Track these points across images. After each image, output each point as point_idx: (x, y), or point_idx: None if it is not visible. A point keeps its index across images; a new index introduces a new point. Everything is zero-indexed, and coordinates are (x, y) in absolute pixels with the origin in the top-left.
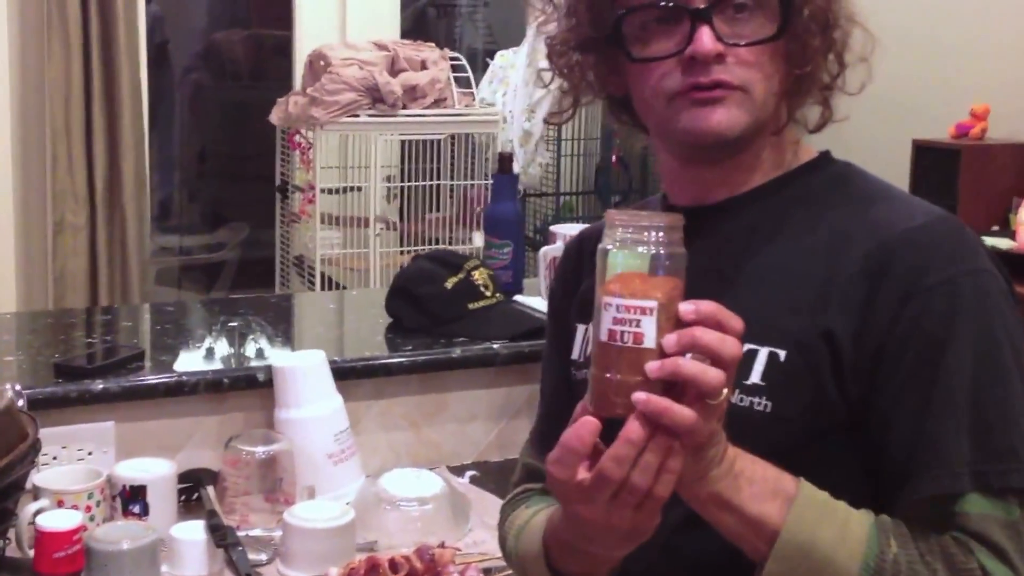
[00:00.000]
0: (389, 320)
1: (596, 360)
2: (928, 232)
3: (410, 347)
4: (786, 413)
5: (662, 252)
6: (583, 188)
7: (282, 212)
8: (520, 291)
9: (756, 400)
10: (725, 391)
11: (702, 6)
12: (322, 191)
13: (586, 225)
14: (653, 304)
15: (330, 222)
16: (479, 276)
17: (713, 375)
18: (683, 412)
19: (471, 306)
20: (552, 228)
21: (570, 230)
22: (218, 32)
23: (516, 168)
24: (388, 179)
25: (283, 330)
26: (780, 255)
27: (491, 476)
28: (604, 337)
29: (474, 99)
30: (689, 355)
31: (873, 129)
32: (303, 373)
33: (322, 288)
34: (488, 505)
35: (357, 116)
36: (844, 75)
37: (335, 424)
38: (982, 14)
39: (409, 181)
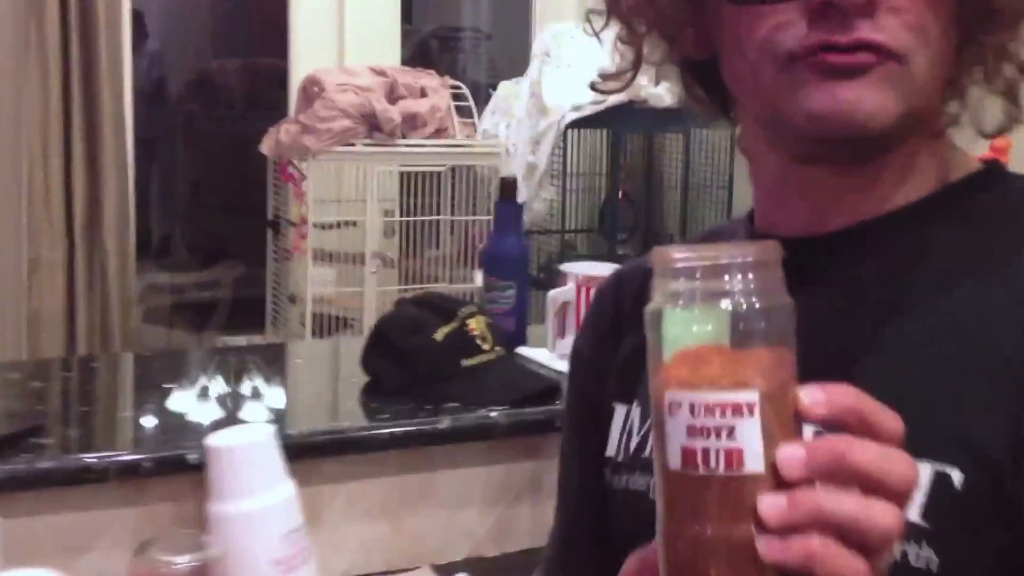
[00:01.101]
0: (365, 380)
1: (667, 502)
2: None
3: (388, 415)
4: (963, 569)
5: (756, 307)
6: (588, 225)
7: (275, 248)
8: (524, 342)
9: (913, 550)
10: (897, 544)
11: None
12: (315, 226)
13: (616, 265)
14: (755, 396)
15: (324, 259)
16: (475, 325)
17: (882, 515)
18: (848, 558)
19: (465, 363)
20: (563, 267)
21: (583, 269)
22: (214, 62)
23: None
24: (386, 213)
25: (231, 394)
26: (948, 313)
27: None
28: (674, 464)
29: (476, 130)
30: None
31: None
32: (244, 454)
33: (315, 330)
34: None
35: (352, 145)
36: None
37: (285, 520)
38: None
39: (408, 216)
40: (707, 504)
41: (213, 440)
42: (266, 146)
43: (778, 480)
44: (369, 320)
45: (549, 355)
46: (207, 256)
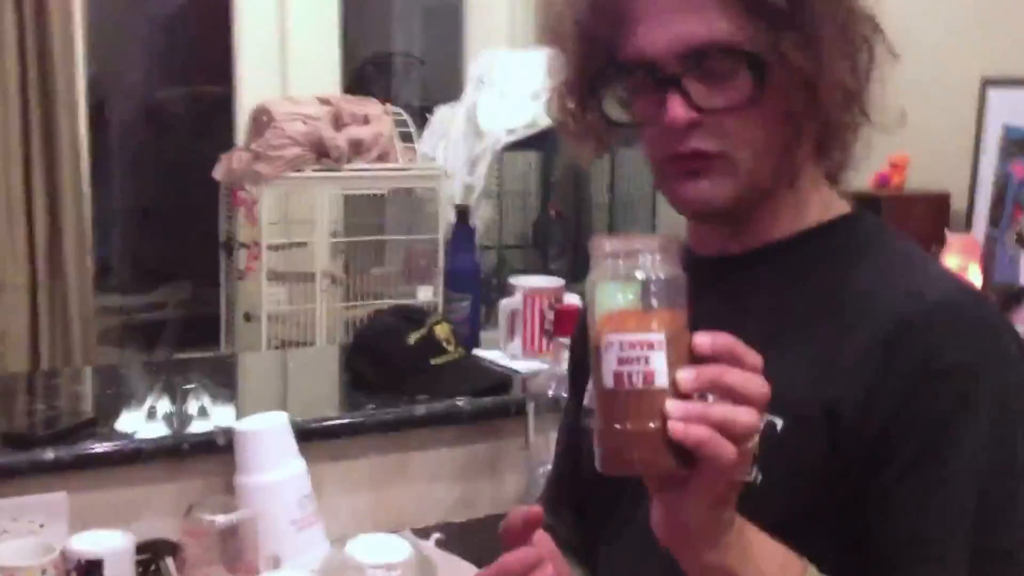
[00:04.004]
0: (345, 378)
1: (601, 412)
2: (950, 310)
3: (371, 406)
4: (776, 487)
5: (661, 277)
6: (524, 242)
7: (227, 269)
8: (478, 345)
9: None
10: (757, 436)
11: (672, 71)
12: (268, 247)
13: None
14: (660, 336)
15: (276, 278)
16: (441, 331)
17: (745, 415)
18: (724, 443)
19: (434, 361)
20: (511, 280)
21: (529, 282)
22: (158, 90)
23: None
24: (333, 234)
25: (237, 391)
26: (793, 317)
27: (456, 538)
28: (610, 383)
29: (416, 153)
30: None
31: None
32: (265, 436)
33: (268, 345)
34: (455, 569)
35: (301, 171)
36: (858, 126)
37: (298, 488)
38: (900, 65)
39: (353, 236)
40: (629, 408)
41: (240, 425)
42: (219, 173)
43: (676, 393)
44: (322, 334)
45: (502, 355)
46: (155, 278)
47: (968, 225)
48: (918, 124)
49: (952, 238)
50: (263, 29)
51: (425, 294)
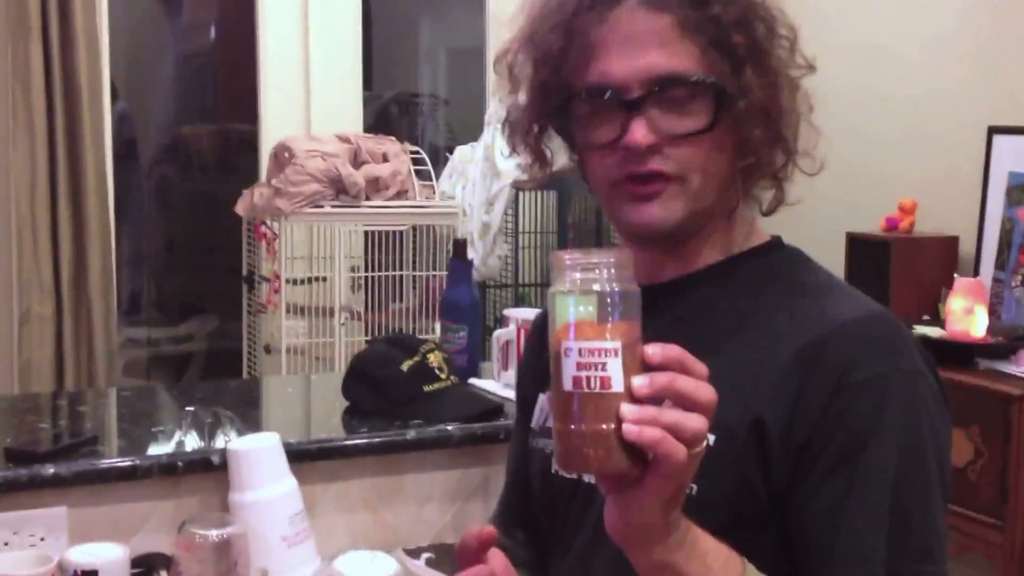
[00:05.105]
0: (346, 403)
1: (559, 413)
2: (863, 327)
3: (366, 429)
4: (711, 497)
5: (616, 290)
6: (540, 280)
7: (249, 302)
8: (476, 374)
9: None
10: (705, 441)
11: (636, 96)
12: (288, 281)
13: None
14: (617, 345)
15: (296, 312)
16: (434, 359)
17: (695, 421)
18: (676, 444)
19: (427, 388)
20: (506, 312)
21: (522, 314)
22: (185, 127)
23: (475, 259)
24: (353, 269)
25: (242, 413)
26: (721, 338)
27: (447, 558)
28: (568, 385)
29: (434, 191)
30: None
31: (811, 220)
32: (257, 455)
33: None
34: None
35: (321, 207)
36: (793, 163)
37: (289, 506)
38: (911, 114)
39: (373, 271)
40: (586, 410)
41: (234, 445)
42: (241, 207)
43: (631, 398)
44: (340, 367)
45: (495, 384)
46: (181, 311)
47: (976, 269)
48: (927, 170)
49: (960, 281)
50: (287, 69)
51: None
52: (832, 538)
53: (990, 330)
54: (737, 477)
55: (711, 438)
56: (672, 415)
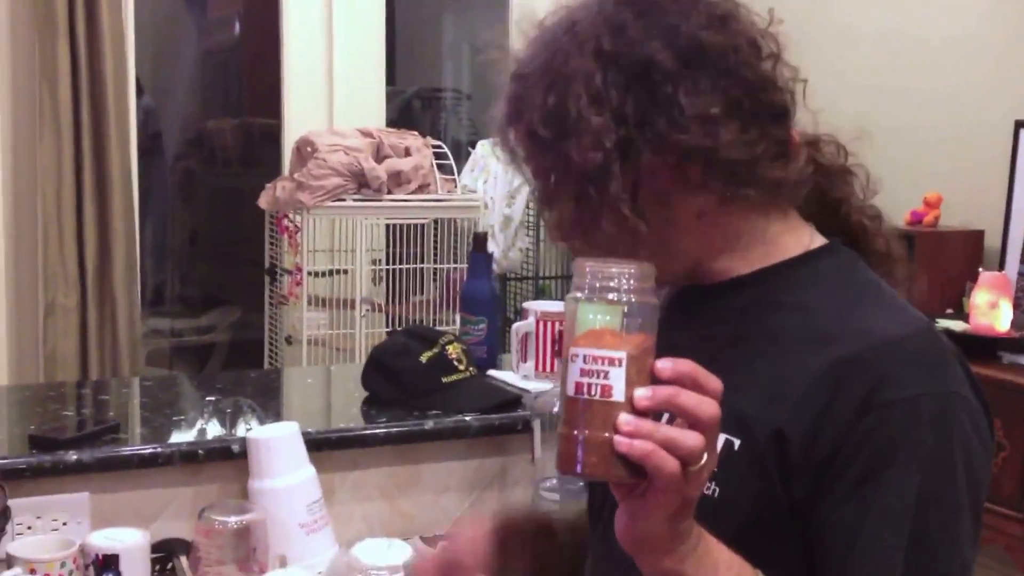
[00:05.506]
0: (366, 394)
1: (562, 417)
2: (902, 347)
3: (384, 419)
4: (733, 501)
5: (633, 301)
6: (561, 272)
7: (271, 294)
8: (494, 366)
9: (709, 485)
10: (705, 457)
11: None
12: (309, 273)
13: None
14: (622, 355)
15: (317, 304)
16: (453, 350)
17: (691, 438)
18: (668, 459)
19: (445, 379)
20: (525, 304)
21: (541, 306)
22: (209, 121)
23: (496, 252)
24: (374, 262)
25: (262, 403)
26: (756, 344)
27: None
28: (571, 391)
29: (456, 185)
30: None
31: None
32: (275, 444)
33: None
34: None
35: (343, 200)
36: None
37: (307, 494)
38: (936, 108)
39: (394, 264)
40: (585, 417)
41: (253, 433)
42: (264, 201)
43: (631, 409)
44: (361, 358)
45: (514, 375)
46: (205, 303)
47: (1001, 263)
48: (953, 164)
49: (984, 275)
50: (311, 63)
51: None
52: (848, 555)
53: (1014, 324)
54: (759, 483)
55: (736, 443)
56: (667, 430)
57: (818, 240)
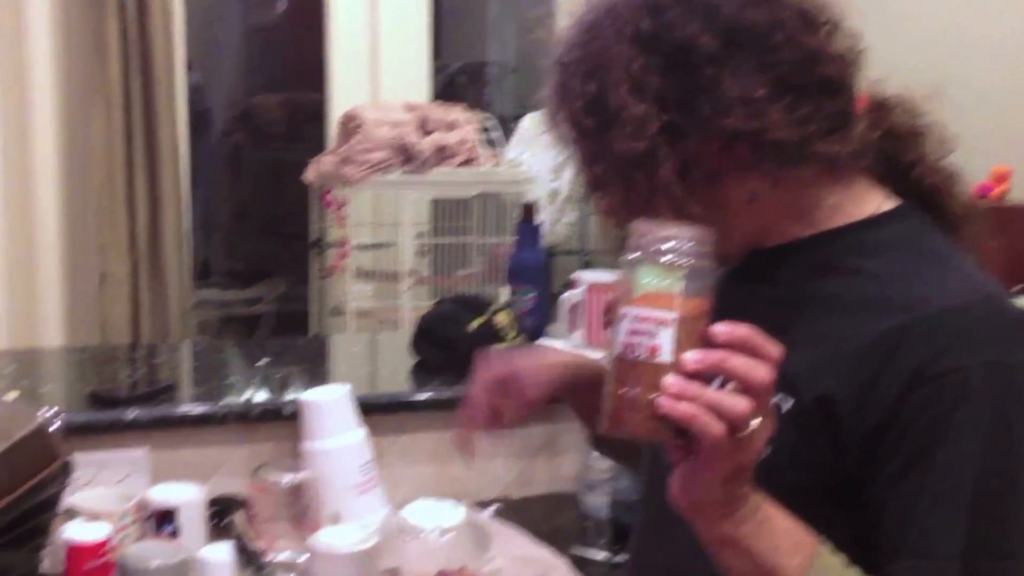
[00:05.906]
0: (415, 360)
1: (610, 376)
2: (962, 315)
3: (433, 384)
4: (782, 461)
5: (689, 264)
6: (608, 247)
7: (317, 267)
8: (544, 336)
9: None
10: (754, 423)
11: None
12: (355, 247)
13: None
14: (672, 316)
15: (363, 276)
16: (502, 319)
17: (739, 403)
18: (713, 423)
19: (493, 348)
20: (575, 274)
21: (591, 276)
22: (255, 96)
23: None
24: (419, 235)
25: (312, 368)
26: (809, 308)
27: (514, 512)
28: (619, 349)
29: (502, 159)
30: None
31: None
32: (327, 406)
33: None
34: (509, 538)
35: (388, 175)
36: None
37: (359, 455)
38: (1003, 78)
39: (439, 238)
40: (632, 377)
41: (306, 396)
42: (310, 175)
43: (679, 371)
44: (406, 330)
45: (564, 344)
46: (251, 276)
47: None
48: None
49: None
50: (355, 38)
51: (507, 294)
52: (905, 531)
53: None
54: (808, 446)
55: (787, 404)
56: (713, 394)
57: (887, 205)
